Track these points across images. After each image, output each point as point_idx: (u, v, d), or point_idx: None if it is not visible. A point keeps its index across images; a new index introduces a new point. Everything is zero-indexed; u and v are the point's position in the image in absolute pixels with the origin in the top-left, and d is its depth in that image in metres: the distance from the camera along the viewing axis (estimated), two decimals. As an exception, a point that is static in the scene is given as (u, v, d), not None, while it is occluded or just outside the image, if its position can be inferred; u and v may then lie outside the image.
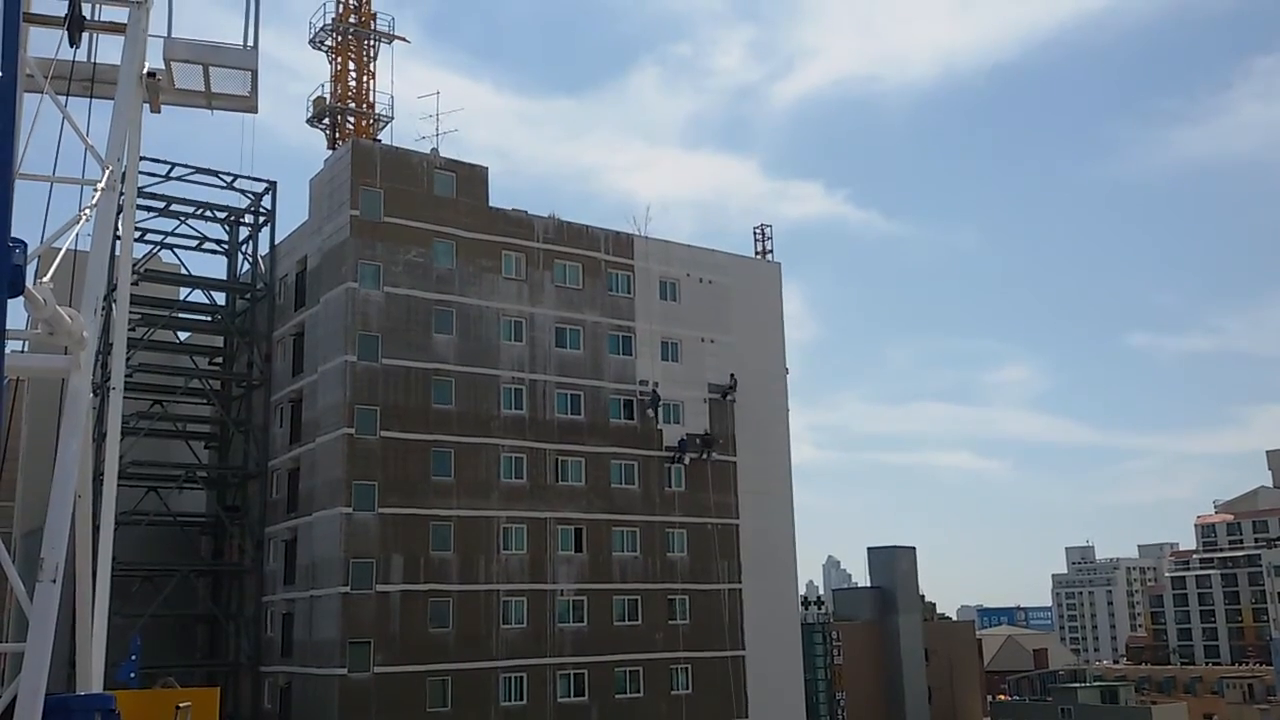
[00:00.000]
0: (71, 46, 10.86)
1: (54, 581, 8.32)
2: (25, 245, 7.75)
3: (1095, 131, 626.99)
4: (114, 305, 13.18)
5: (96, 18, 11.28)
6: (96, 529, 11.49)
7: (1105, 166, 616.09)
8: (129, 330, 20.54)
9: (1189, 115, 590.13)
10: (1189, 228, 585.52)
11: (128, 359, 45.36)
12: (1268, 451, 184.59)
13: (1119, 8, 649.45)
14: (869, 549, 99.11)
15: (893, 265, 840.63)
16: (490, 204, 54.63)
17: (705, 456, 57.98)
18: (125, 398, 14.79)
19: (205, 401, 57.95)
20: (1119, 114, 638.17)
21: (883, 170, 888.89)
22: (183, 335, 60.10)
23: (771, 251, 68.32)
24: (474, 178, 54.48)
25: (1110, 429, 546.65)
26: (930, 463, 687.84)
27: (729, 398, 59.61)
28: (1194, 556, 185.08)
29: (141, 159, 16.51)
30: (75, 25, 10.77)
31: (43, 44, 10.89)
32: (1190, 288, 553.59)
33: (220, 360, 59.33)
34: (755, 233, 68.92)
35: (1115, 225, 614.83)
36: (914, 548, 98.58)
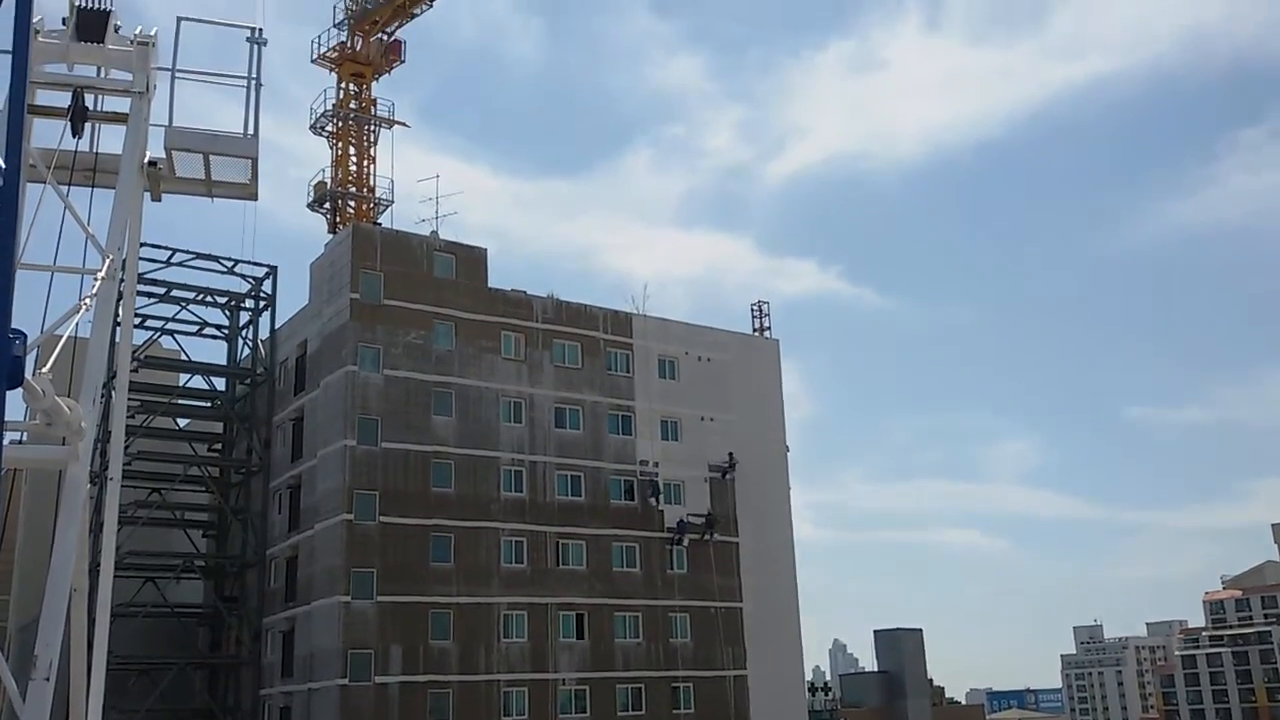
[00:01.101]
0: (74, 137, 10.93)
1: (47, 679, 8.12)
2: (25, 336, 7.70)
3: (1085, 204, 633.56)
4: (113, 393, 13.09)
5: (99, 108, 11.37)
6: (92, 622, 11.27)
7: (1096, 238, 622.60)
8: (128, 417, 20.41)
9: (1179, 186, 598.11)
10: (1182, 300, 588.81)
11: (126, 446, 45.11)
12: (1273, 525, 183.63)
13: (1104, 82, 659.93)
14: (875, 632, 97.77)
15: (888, 341, 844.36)
16: (489, 285, 54.92)
17: (706, 537, 57.40)
18: (123, 486, 14.63)
19: (204, 489, 57.53)
20: (1108, 187, 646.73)
21: (874, 246, 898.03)
22: (182, 421, 59.87)
23: (769, 328, 67.98)
24: (473, 259, 54.83)
25: (1111, 504, 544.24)
26: (932, 540, 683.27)
27: (728, 476, 59.19)
28: (1203, 634, 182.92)
29: (142, 245, 16.54)
30: (78, 116, 10.85)
31: (46, 135, 10.97)
32: (1186, 359, 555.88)
33: (219, 446, 58.98)
34: (753, 309, 68.35)
35: (1109, 297, 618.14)
36: (920, 629, 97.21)
